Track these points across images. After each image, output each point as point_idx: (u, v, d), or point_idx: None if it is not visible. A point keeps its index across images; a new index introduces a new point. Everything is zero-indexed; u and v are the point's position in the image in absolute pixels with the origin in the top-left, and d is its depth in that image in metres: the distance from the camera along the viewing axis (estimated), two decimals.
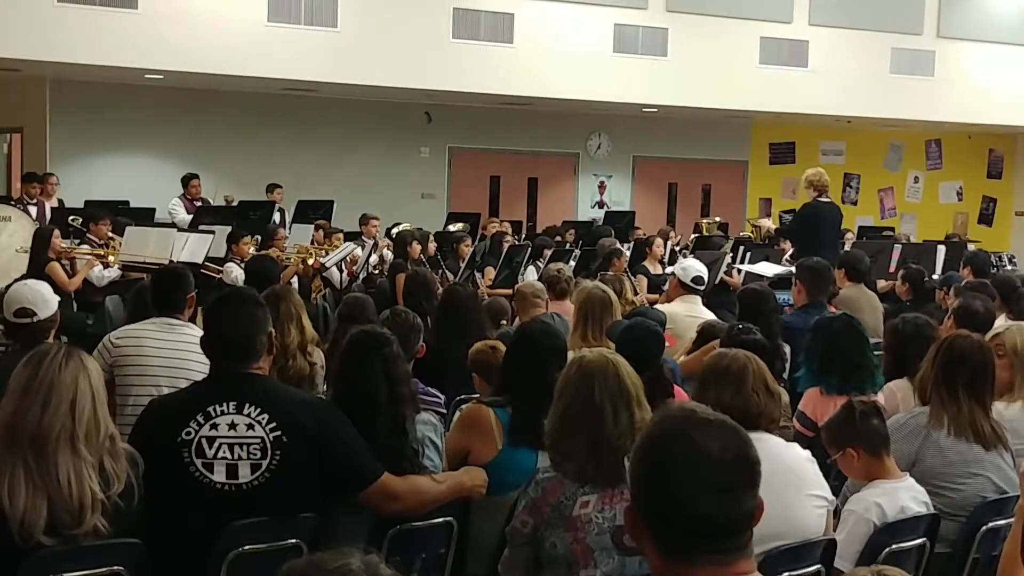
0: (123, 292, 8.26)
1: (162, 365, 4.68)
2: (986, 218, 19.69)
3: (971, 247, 12.05)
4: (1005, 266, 12.94)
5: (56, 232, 9.08)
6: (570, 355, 5.10)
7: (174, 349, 4.70)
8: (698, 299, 7.11)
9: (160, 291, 5.02)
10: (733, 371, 3.56)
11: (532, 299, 6.50)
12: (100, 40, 11.69)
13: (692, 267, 7.17)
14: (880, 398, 4.73)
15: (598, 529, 3.05)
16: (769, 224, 10.85)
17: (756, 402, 3.48)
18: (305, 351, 4.92)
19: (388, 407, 3.65)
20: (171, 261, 8.79)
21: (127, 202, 12.25)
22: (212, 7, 12.16)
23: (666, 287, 7.70)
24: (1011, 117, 16.66)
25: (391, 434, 3.65)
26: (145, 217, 11.23)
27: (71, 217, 10.31)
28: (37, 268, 8.43)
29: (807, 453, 3.61)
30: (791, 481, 3.44)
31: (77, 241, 9.63)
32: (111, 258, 9.00)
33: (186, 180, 12.99)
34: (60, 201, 12.07)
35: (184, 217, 12.19)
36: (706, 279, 7.34)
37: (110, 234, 9.47)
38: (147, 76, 13.01)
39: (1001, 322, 5.99)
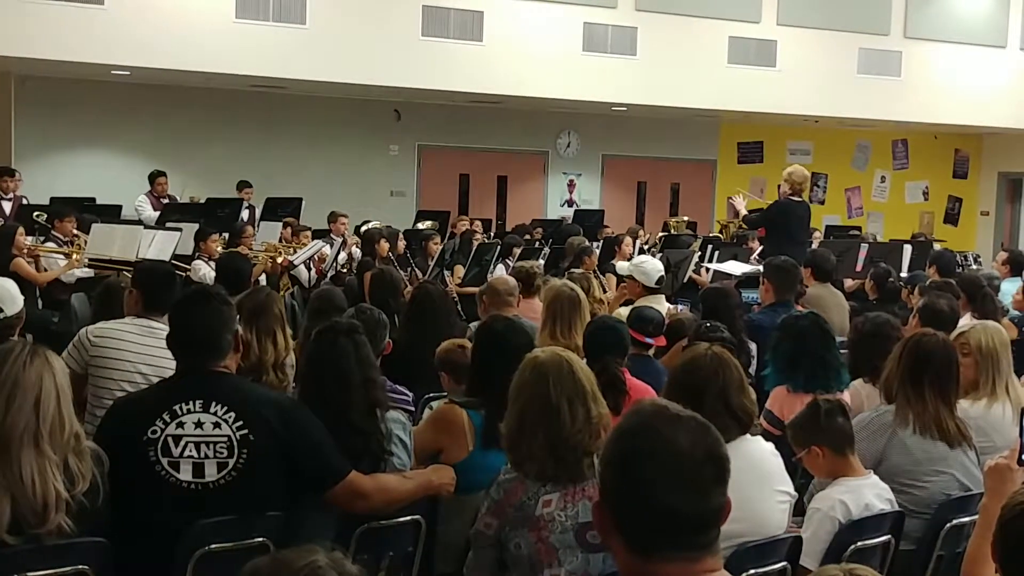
0: (89, 290, 8.19)
1: (142, 372, 4.63)
2: (952, 218, 19.86)
3: (937, 246, 12.15)
4: (970, 265, 13.06)
5: (20, 229, 8.98)
6: None
7: (152, 354, 4.65)
8: (662, 297, 7.15)
9: (153, 291, 4.94)
10: (690, 389, 3.42)
11: (505, 296, 6.46)
12: (66, 35, 11.60)
13: (653, 269, 7.17)
14: (846, 396, 4.76)
15: (561, 527, 3.06)
16: (741, 206, 10.93)
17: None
18: (277, 367, 4.75)
19: (361, 387, 3.67)
20: (138, 258, 8.74)
21: (93, 199, 12.15)
22: (179, 3, 12.09)
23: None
24: (976, 117, 16.81)
25: (365, 416, 3.66)
26: (111, 214, 11.14)
27: (36, 214, 10.21)
28: (1, 265, 8.34)
29: (771, 446, 3.62)
30: (757, 477, 3.46)
31: (42, 238, 9.54)
32: (75, 256, 8.92)
33: (153, 177, 12.91)
34: (24, 198, 11.94)
35: (151, 214, 12.11)
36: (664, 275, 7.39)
37: (75, 231, 9.39)
38: (114, 72, 12.92)
39: (966, 321, 6.06)
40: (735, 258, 10.65)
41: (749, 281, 9.43)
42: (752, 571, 3.27)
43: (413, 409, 4.79)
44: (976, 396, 4.52)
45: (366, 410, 3.69)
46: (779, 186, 10.13)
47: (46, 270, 8.94)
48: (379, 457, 3.70)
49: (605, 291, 9.12)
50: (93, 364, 4.65)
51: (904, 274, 9.91)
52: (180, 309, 3.57)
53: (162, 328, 4.72)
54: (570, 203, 17.29)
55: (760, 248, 11.24)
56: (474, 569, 3.21)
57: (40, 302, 8.81)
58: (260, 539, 3.29)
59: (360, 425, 3.66)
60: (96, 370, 4.64)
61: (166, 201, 12.56)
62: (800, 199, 9.94)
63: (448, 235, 12.66)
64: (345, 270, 10.85)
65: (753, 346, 6.06)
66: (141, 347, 4.69)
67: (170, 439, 3.26)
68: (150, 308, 4.81)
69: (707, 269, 10.69)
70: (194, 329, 3.43)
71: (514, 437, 3.23)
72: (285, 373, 4.77)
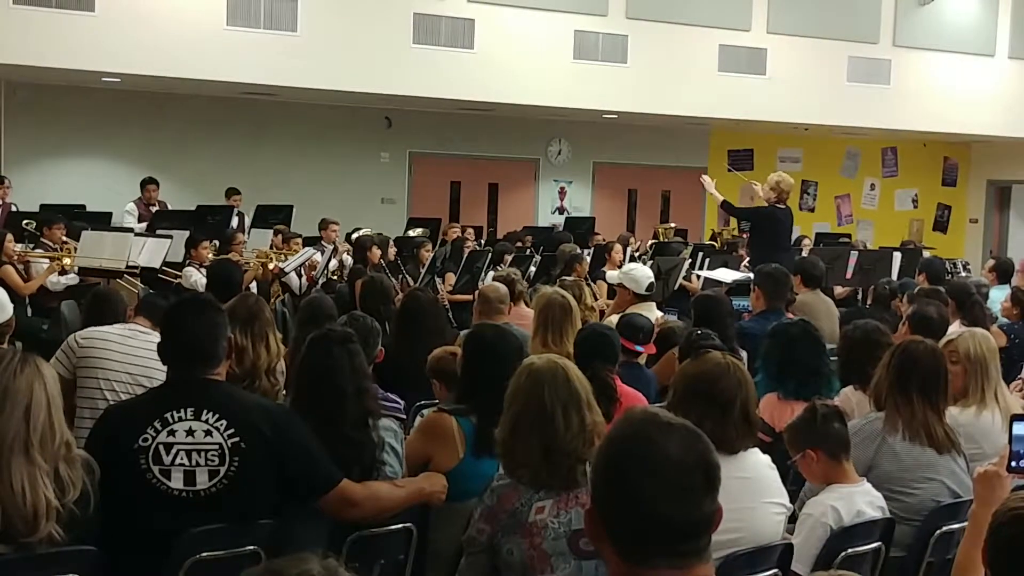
0: (79, 297, 8.18)
1: (126, 371, 4.65)
2: (941, 225, 19.91)
3: (926, 254, 12.19)
4: (959, 273, 13.11)
5: (9, 236, 8.96)
6: None
7: (138, 356, 4.67)
8: (652, 304, 7.16)
9: (151, 301, 5.07)
10: (715, 400, 3.44)
11: (496, 304, 6.47)
12: (56, 42, 11.57)
13: (643, 276, 7.19)
14: (836, 403, 4.77)
15: (554, 534, 3.06)
16: (711, 185, 11.19)
17: (730, 435, 3.39)
18: (270, 372, 4.80)
19: (354, 398, 3.67)
20: (128, 265, 8.74)
21: (83, 206, 12.12)
22: (170, 10, 12.06)
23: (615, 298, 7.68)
24: (965, 125, 16.87)
25: (358, 426, 3.67)
26: (101, 221, 11.12)
27: (25, 221, 10.19)
28: None
29: (767, 459, 3.62)
30: (756, 488, 3.46)
31: (31, 245, 9.52)
32: (67, 261, 8.91)
33: (144, 184, 12.81)
34: (13, 205, 11.92)
35: (135, 226, 12.07)
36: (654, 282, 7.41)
37: (64, 238, 9.37)
38: (104, 79, 12.90)
39: (955, 328, 6.07)
40: (725, 265, 10.68)
41: (739, 288, 9.45)
42: None
43: (404, 417, 4.79)
44: (966, 403, 4.54)
45: (359, 420, 3.70)
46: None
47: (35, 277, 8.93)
48: (371, 467, 3.70)
49: (596, 299, 9.13)
50: (81, 367, 4.68)
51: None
52: (174, 317, 3.55)
53: (146, 332, 4.77)
54: (561, 210, 17.30)
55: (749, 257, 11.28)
56: (467, 575, 3.22)
57: (29, 309, 8.79)
58: (251, 547, 3.28)
59: (352, 435, 3.66)
60: (84, 371, 4.67)
61: (155, 208, 12.52)
62: (785, 206, 10.00)
63: (439, 242, 12.67)
64: (336, 277, 10.85)
65: (743, 354, 6.07)
66: (127, 348, 4.72)
67: (161, 447, 3.25)
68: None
69: (698, 276, 10.71)
70: (189, 337, 3.42)
71: (508, 442, 3.24)
72: (276, 378, 4.80)
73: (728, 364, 3.56)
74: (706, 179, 11.35)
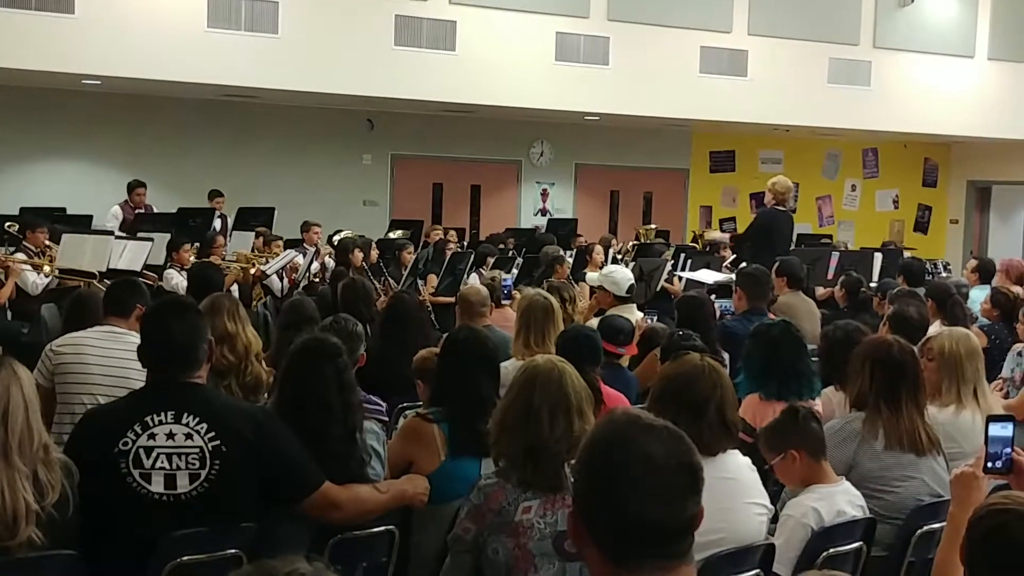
0: (59, 300, 8.13)
1: (103, 373, 4.63)
2: (921, 226, 20.00)
3: (907, 255, 12.24)
4: (940, 273, 13.16)
5: None
6: (514, 362, 5.16)
7: (116, 358, 4.65)
8: (632, 306, 7.17)
9: (113, 296, 5.02)
10: (690, 402, 3.43)
11: (478, 307, 6.46)
12: (36, 45, 11.51)
13: (623, 278, 7.19)
14: (818, 404, 4.79)
15: (540, 535, 3.06)
16: (720, 236, 11.19)
17: (705, 437, 3.35)
18: (258, 357, 4.84)
19: (341, 414, 3.66)
20: (108, 269, 8.69)
21: (64, 209, 12.06)
22: (151, 12, 12.01)
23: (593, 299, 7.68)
24: (946, 126, 16.94)
25: (344, 442, 3.66)
26: (82, 224, 11.06)
27: (7, 224, 10.11)
28: None
29: (747, 461, 3.63)
30: (732, 489, 3.46)
31: (12, 249, 9.45)
32: (46, 268, 8.84)
33: (131, 187, 12.62)
34: None
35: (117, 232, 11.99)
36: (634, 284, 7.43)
37: (47, 242, 9.31)
38: (84, 82, 12.84)
39: (935, 329, 6.10)
40: (707, 267, 10.71)
41: (721, 289, 9.48)
42: None
43: (387, 419, 4.79)
44: (943, 402, 4.55)
45: (345, 434, 3.67)
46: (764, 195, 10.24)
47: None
48: (357, 477, 3.67)
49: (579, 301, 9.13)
50: (59, 373, 4.67)
51: (874, 282, 9.98)
52: (154, 320, 3.53)
53: (125, 333, 4.75)
54: (543, 212, 17.31)
55: (732, 257, 11.32)
56: (451, 574, 3.21)
57: (9, 313, 8.73)
58: (233, 551, 3.27)
59: (339, 449, 3.63)
60: (62, 377, 4.67)
61: (140, 212, 12.43)
62: (784, 209, 10.07)
63: (422, 244, 12.65)
64: (318, 280, 10.82)
65: (726, 355, 6.08)
66: (105, 351, 4.70)
67: (141, 451, 3.24)
68: (111, 312, 4.94)
69: (679, 278, 10.73)
70: (169, 340, 3.40)
71: (496, 434, 3.27)
72: (268, 365, 4.84)
73: (704, 366, 3.55)
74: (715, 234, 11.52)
